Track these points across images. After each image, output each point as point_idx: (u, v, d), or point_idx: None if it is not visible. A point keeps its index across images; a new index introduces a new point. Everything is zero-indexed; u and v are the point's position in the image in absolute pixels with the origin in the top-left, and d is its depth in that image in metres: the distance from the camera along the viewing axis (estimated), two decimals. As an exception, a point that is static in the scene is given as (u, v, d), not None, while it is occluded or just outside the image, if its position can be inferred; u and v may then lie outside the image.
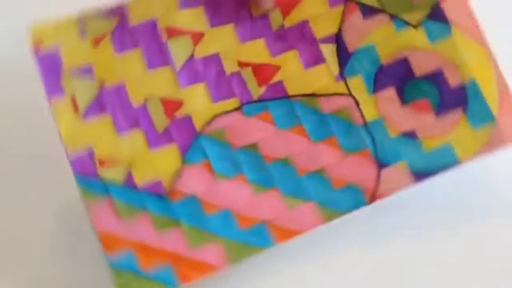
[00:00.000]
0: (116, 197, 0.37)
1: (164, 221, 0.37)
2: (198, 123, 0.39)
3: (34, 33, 0.37)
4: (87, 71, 0.37)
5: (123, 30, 0.38)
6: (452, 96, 0.40)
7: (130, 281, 0.35)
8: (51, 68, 0.37)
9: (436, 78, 0.40)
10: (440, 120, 0.39)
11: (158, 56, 0.38)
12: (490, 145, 0.39)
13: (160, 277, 0.36)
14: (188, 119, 0.38)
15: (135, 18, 0.38)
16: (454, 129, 0.39)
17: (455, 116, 0.39)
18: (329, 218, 0.38)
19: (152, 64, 0.38)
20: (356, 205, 0.38)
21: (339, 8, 0.40)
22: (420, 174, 0.39)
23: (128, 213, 0.36)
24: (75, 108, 0.37)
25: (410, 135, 0.39)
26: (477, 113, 0.39)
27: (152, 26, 0.39)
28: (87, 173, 0.36)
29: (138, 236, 0.36)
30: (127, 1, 0.38)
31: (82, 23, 0.37)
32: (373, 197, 0.38)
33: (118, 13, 0.38)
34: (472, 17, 0.40)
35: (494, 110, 0.39)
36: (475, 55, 0.40)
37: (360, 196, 0.38)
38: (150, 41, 0.38)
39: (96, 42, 0.38)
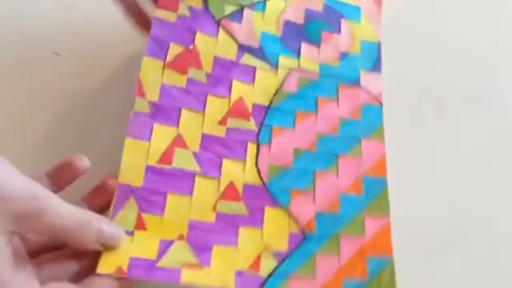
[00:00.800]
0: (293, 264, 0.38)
1: (331, 245, 0.39)
2: (257, 182, 0.41)
3: None
4: (166, 244, 0.37)
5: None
6: (330, 15, 0.49)
7: None
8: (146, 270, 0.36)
9: (310, 15, 0.48)
10: (342, 33, 0.48)
11: (183, 184, 0.40)
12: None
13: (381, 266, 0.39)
14: (251, 188, 0.40)
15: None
16: (354, 28, 0.49)
17: (346, 22, 0.49)
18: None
19: (187, 189, 0.39)
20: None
21: (221, 32, 0.45)
22: (376, 66, 0.48)
23: (310, 269, 0.38)
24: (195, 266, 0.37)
25: (344, 55, 0.47)
26: (351, 12, 0.49)
27: (153, 171, 0.39)
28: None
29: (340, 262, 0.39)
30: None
31: None
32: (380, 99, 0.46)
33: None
34: None
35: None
36: None
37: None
38: (165, 182, 0.39)
39: (141, 226, 0.37)
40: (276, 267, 0.38)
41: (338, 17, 0.49)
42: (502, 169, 0.46)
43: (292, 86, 0.45)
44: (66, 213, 0.34)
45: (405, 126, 0.46)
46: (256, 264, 0.37)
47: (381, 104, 0.46)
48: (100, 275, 0.35)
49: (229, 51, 0.45)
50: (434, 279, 0.40)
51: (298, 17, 0.48)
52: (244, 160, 0.41)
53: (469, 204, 0.44)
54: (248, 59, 0.45)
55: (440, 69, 0.51)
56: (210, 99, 0.43)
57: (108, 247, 0.35)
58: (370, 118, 0.45)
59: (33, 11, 0.51)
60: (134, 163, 0.39)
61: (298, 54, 0.46)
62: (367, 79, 0.46)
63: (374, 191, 0.42)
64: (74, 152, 0.38)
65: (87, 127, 0.46)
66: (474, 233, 0.43)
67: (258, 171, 0.41)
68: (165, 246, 0.37)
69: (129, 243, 0.36)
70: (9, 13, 0.51)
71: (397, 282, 0.38)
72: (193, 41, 0.44)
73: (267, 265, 0.37)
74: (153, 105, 0.41)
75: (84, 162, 0.38)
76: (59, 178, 0.38)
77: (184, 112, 0.42)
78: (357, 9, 0.50)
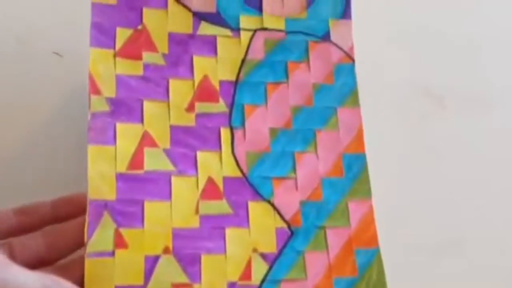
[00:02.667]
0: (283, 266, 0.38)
1: (318, 240, 0.38)
2: (236, 174, 0.39)
3: None
4: (151, 260, 0.36)
5: None
6: None
7: None
8: None
9: None
10: None
11: (159, 188, 0.37)
12: None
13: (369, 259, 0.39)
14: (231, 181, 0.38)
15: None
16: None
17: None
18: None
19: (165, 194, 0.37)
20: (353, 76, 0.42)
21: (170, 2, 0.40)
22: (346, 11, 0.43)
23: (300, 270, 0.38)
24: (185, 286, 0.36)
25: (310, 2, 0.43)
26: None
27: (124, 179, 0.37)
28: None
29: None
30: None
31: None
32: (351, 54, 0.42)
33: None
34: None
35: None
36: None
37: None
38: None
39: (121, 244, 0.36)
40: (267, 272, 0.37)
41: None
42: (503, 168, 0.46)
43: (258, 51, 0.41)
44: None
45: (405, 126, 0.46)
46: (247, 271, 0.36)
47: (353, 61, 0.42)
48: None
49: (183, 23, 0.40)
50: (434, 279, 0.40)
51: None
52: (220, 150, 0.39)
53: (470, 204, 0.44)
54: (205, 28, 0.40)
55: (440, 69, 0.50)
56: (173, 83, 0.39)
57: None
58: (344, 80, 0.42)
59: (33, 11, 0.48)
60: (102, 173, 0.36)
61: (260, 10, 0.42)
62: (337, 30, 0.42)
63: (354, 171, 0.40)
64: (73, 153, 0.37)
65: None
66: (474, 233, 0.43)
67: (236, 161, 0.39)
68: (151, 263, 0.35)
69: (111, 267, 0.34)
70: (8, 12, 0.48)
71: (386, 278, 0.38)
72: (141, 20, 0.39)
73: (258, 270, 0.37)
74: (111, 102, 0.37)
75: None
76: (61, 210, 0.37)
77: (146, 105, 0.38)
78: None
